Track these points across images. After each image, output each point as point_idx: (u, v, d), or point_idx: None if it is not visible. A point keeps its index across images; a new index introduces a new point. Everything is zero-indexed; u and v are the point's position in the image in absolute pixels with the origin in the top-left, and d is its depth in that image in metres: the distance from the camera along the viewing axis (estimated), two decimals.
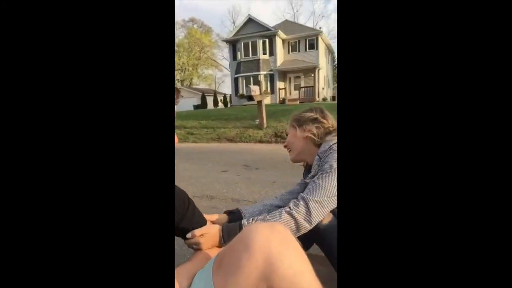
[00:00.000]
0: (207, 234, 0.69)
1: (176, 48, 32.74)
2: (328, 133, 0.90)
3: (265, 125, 6.40)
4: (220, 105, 23.33)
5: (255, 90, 6.32)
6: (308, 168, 0.99)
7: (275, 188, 2.50)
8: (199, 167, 3.64)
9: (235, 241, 0.47)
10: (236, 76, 16.87)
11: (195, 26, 33.08)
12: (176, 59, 31.84)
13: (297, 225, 0.70)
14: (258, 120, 6.66)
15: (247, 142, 5.91)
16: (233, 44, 17.26)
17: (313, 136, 0.91)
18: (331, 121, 0.93)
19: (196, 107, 22.88)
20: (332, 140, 0.86)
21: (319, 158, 0.85)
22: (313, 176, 0.84)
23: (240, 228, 0.71)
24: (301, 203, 0.72)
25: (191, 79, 33.46)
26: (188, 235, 0.69)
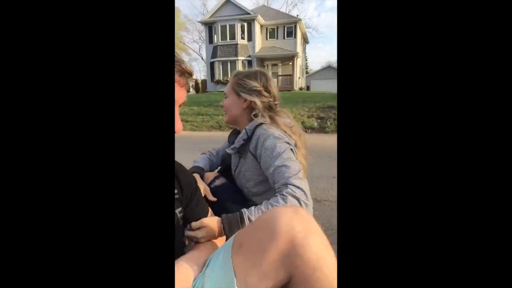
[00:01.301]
0: (206, 227, 0.66)
1: None
2: (268, 108, 0.90)
3: None
4: (192, 91, 22.32)
5: None
6: (236, 132, 1.00)
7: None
8: None
9: (258, 223, 0.48)
10: (212, 60, 16.07)
11: None
12: None
13: (302, 206, 0.70)
14: None
15: None
16: (209, 26, 16.32)
17: (252, 109, 0.89)
18: (274, 92, 0.91)
19: None
20: (260, 119, 0.86)
21: (246, 134, 0.86)
22: (235, 148, 0.89)
23: (241, 219, 0.68)
24: (290, 187, 0.71)
25: None
26: (187, 228, 0.65)
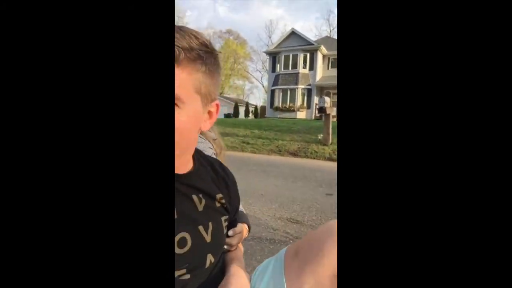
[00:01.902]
0: (240, 233, 0.63)
1: None
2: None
3: (330, 141, 6.05)
4: (251, 116, 23.38)
5: (328, 101, 6.03)
6: None
7: None
8: (290, 184, 3.33)
9: (318, 231, 0.46)
10: (273, 88, 16.75)
11: (231, 37, 33.82)
12: None
13: None
14: (322, 135, 6.32)
15: (313, 158, 5.57)
16: (273, 56, 17.26)
17: None
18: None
19: (226, 115, 23.08)
20: None
21: None
22: None
23: (249, 226, 0.70)
24: None
25: (223, 88, 33.91)
26: (230, 233, 0.60)
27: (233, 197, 0.58)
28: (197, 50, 0.37)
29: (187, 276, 0.44)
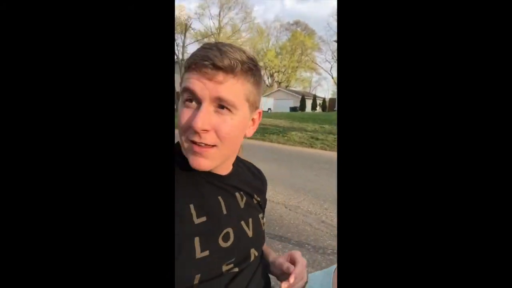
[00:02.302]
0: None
1: (278, 50, 33.58)
2: None
3: None
4: (318, 109, 22.44)
5: None
6: None
7: None
8: None
9: None
10: None
11: (298, 29, 32.99)
12: (277, 61, 32.62)
13: None
14: None
15: None
16: None
17: None
18: None
19: (292, 109, 22.66)
20: None
21: None
22: None
23: None
24: None
25: (289, 81, 33.54)
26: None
27: (264, 198, 0.60)
28: (248, 63, 0.42)
29: (236, 269, 0.46)
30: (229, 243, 0.45)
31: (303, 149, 5.77)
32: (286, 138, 6.53)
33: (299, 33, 32.11)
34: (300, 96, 22.29)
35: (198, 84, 0.40)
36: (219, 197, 0.47)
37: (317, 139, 6.27)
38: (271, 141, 6.37)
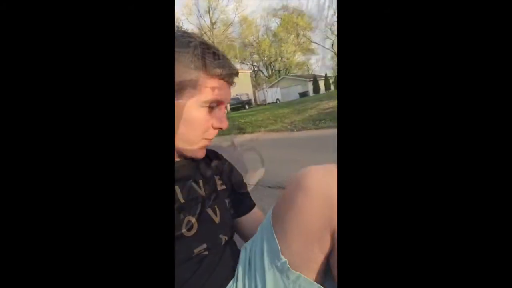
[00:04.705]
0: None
1: (272, 38, 32.67)
2: None
3: None
4: (332, 88, 21.56)
5: None
6: None
7: None
8: None
9: (290, 187, 0.45)
10: None
11: (286, 12, 31.94)
12: (273, 49, 31.75)
13: None
14: None
15: None
16: None
17: None
18: None
19: (302, 95, 21.84)
20: None
21: None
22: None
23: None
24: None
25: (290, 67, 32.66)
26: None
27: (232, 175, 0.62)
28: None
29: (205, 253, 0.48)
30: (192, 232, 0.47)
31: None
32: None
33: (289, 16, 31.12)
34: (307, 80, 21.48)
35: (228, 92, 0.49)
36: (176, 186, 0.49)
37: None
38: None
